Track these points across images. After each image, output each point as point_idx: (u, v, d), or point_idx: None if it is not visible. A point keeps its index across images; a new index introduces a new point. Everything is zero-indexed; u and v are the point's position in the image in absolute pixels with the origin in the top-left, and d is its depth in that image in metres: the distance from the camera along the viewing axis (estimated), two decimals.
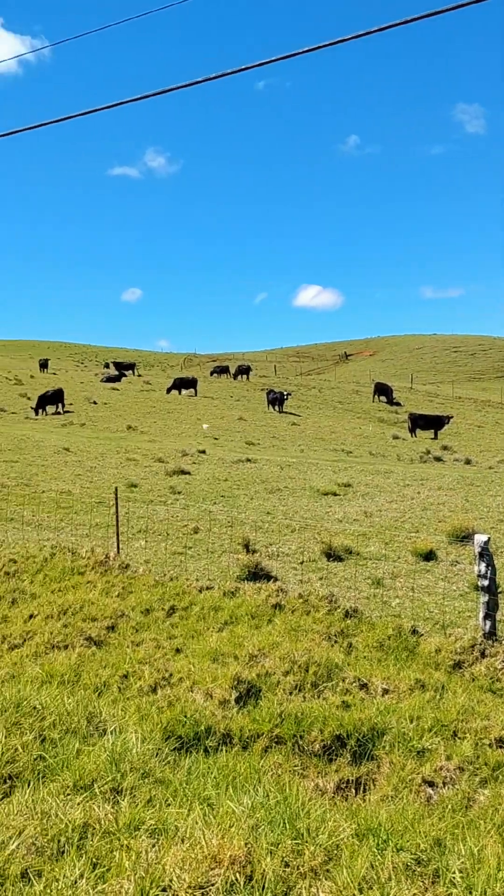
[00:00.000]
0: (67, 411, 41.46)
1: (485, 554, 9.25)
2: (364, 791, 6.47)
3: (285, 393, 47.44)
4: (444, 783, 6.00)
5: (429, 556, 13.19)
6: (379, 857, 3.60)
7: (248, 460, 26.22)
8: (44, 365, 68.83)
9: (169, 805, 3.99)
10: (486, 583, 9.19)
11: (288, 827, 3.79)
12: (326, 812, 4.13)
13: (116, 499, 14.07)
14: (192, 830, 3.65)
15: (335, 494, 19.81)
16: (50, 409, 41.17)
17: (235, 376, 67.64)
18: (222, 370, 71.85)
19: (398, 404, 52.43)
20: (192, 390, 53.07)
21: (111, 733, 4.82)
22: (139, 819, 3.73)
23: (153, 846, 3.52)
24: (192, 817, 3.80)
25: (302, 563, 13.06)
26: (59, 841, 3.53)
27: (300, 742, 7.06)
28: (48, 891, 3.20)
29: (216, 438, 33.68)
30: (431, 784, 6.07)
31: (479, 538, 9.44)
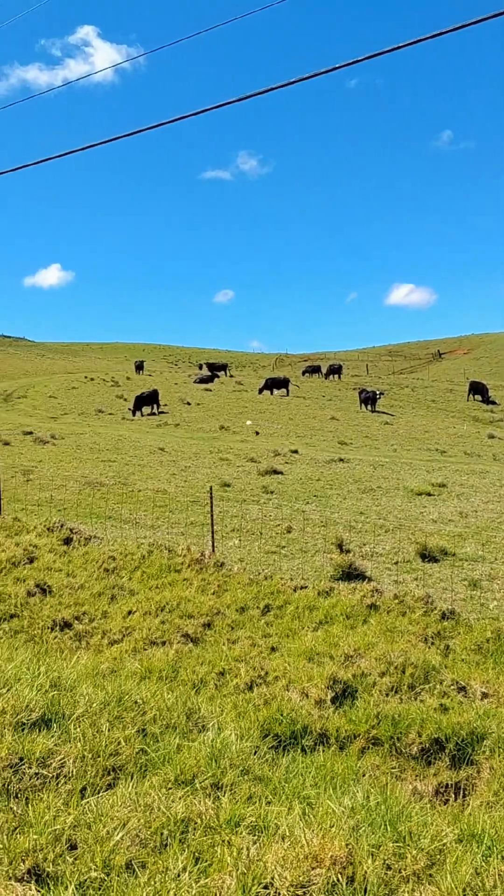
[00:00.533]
0: (162, 412, 42.14)
1: None
2: (464, 796, 6.35)
3: (378, 392, 46.96)
4: None
5: None
6: (483, 863, 3.52)
7: (341, 460, 26.09)
8: (139, 367, 70.14)
9: (269, 803, 3.99)
10: None
11: (389, 829, 3.74)
12: (427, 815, 4.06)
13: (211, 498, 14.22)
14: (292, 829, 3.65)
15: (429, 495, 19.51)
16: (145, 409, 41.91)
17: (327, 376, 67.34)
18: (314, 370, 71.62)
19: (494, 403, 51.16)
20: (284, 390, 53.12)
21: (210, 729, 4.87)
22: (240, 815, 3.75)
23: (254, 843, 3.53)
24: (291, 816, 3.80)
25: (396, 563, 12.91)
26: (161, 834, 3.59)
27: (397, 744, 6.99)
28: (152, 882, 3.25)
29: (306, 438, 33.64)
30: None
31: None
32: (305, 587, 11.36)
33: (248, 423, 38.93)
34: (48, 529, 14.27)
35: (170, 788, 4.01)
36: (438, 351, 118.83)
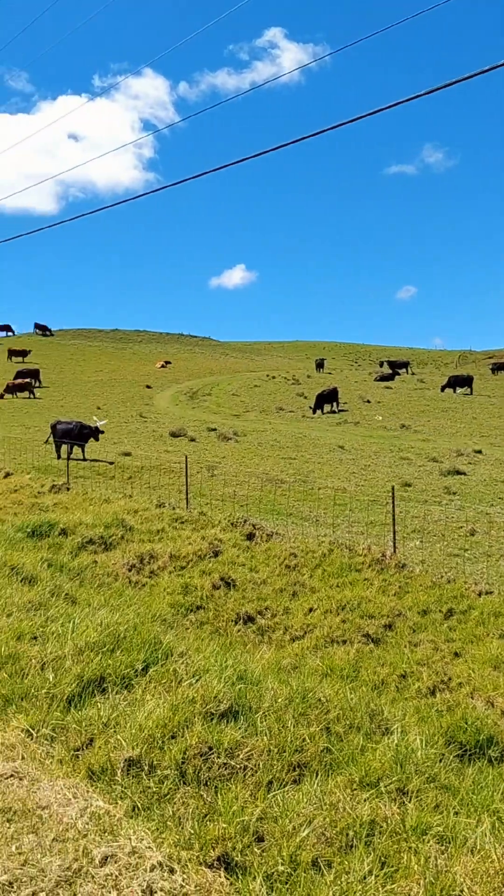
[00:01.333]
0: (342, 410, 42.14)
1: None
2: None
3: None
4: None
5: None
6: None
7: None
8: (320, 365, 70.47)
9: (457, 813, 3.90)
10: None
11: None
12: None
13: (393, 498, 14.06)
14: (481, 842, 3.54)
15: None
16: (325, 407, 42.07)
17: None
18: (501, 367, 69.01)
19: None
20: (468, 388, 51.60)
21: (394, 733, 4.82)
22: (426, 823, 3.68)
23: (441, 853, 3.46)
24: (481, 829, 3.69)
25: None
26: (347, 834, 3.59)
27: None
28: (339, 881, 3.26)
29: (491, 438, 32.46)
30: None
31: None
32: (491, 593, 10.99)
33: (379, 418, 38.80)
34: (232, 525, 14.65)
35: (354, 789, 4.00)
36: None
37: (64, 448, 24.17)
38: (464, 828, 3.70)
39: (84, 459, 23.96)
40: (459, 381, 52.59)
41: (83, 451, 24.55)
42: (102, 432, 25.84)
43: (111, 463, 23.44)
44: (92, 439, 24.97)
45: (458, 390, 51.66)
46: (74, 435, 24.56)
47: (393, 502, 13.98)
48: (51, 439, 25.37)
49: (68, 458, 22.78)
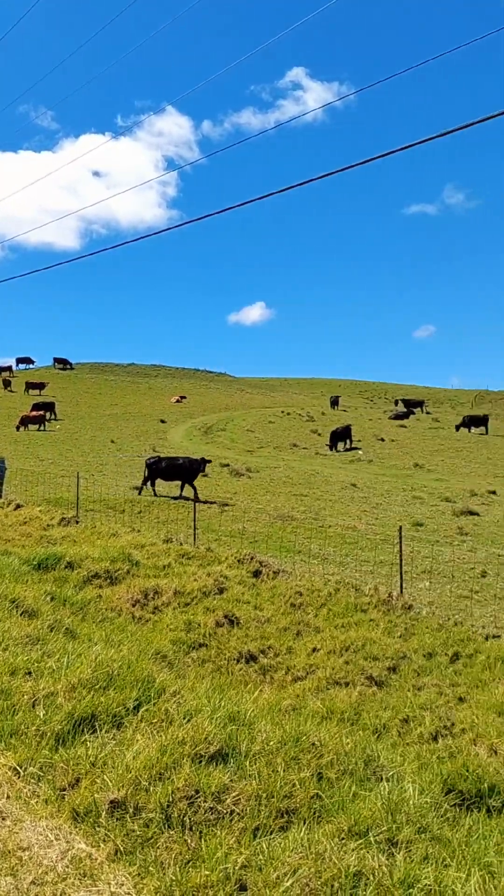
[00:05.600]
0: (355, 448, 42.09)
1: None
2: None
3: None
4: None
5: None
6: None
7: None
8: (334, 402, 70.60)
9: (447, 866, 3.79)
10: None
11: None
12: None
13: (401, 538, 13.95)
14: None
15: None
16: (339, 445, 42.04)
17: None
18: None
19: None
20: (483, 428, 51.49)
21: (387, 780, 4.71)
22: (414, 876, 3.58)
23: None
24: (471, 883, 3.58)
25: None
26: (332, 886, 3.49)
27: None
28: None
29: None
30: None
31: None
32: (499, 637, 10.83)
33: (360, 452, 39.80)
34: (238, 561, 14.57)
35: (343, 839, 3.90)
36: None
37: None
38: (452, 881, 3.59)
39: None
40: (475, 421, 52.53)
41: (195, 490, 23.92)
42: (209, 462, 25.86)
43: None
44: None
45: (474, 430, 51.56)
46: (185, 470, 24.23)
47: (401, 542, 13.86)
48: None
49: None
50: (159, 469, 24.29)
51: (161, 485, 25.03)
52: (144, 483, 24.53)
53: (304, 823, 4.05)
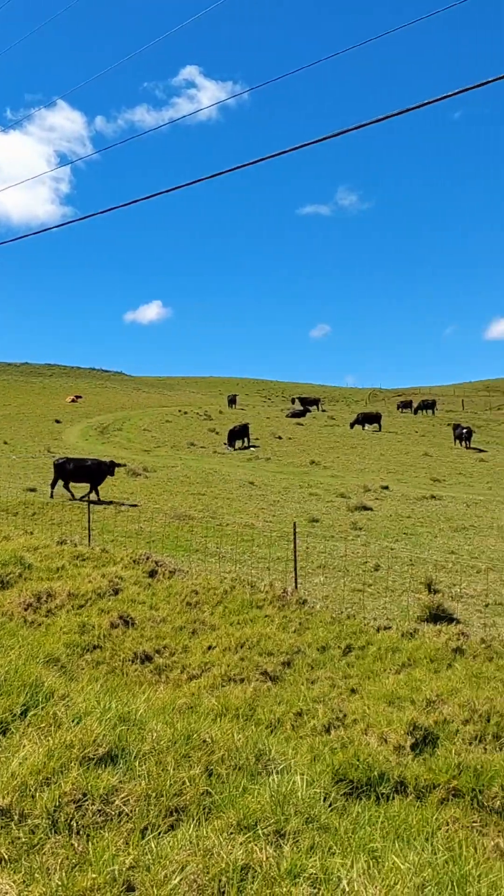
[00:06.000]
0: (253, 446, 42.35)
1: None
2: None
3: (473, 428, 45.99)
4: None
5: None
6: None
7: (433, 497, 25.58)
8: (232, 401, 70.83)
9: (333, 854, 3.86)
10: None
11: (456, 891, 3.56)
12: (501, 879, 3.84)
13: (294, 534, 14.13)
14: (354, 883, 3.51)
15: None
16: (237, 443, 42.22)
17: (416, 411, 66.66)
18: (408, 405, 70.88)
19: None
20: (376, 425, 52.72)
21: (277, 773, 4.76)
22: (301, 866, 3.63)
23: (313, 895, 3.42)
24: (356, 869, 3.66)
25: (487, 606, 12.50)
26: (219, 881, 3.50)
27: (479, 796, 6.69)
28: None
29: (398, 474, 33.13)
30: None
31: None
32: (389, 628, 11.11)
33: (252, 449, 40.99)
34: (134, 562, 14.44)
35: (231, 833, 3.92)
36: None
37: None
38: (338, 868, 3.65)
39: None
40: (368, 419, 53.72)
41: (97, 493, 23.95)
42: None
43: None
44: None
45: (367, 427, 52.71)
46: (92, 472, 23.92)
47: (294, 538, 14.04)
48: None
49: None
50: (66, 470, 23.89)
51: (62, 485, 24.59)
52: (53, 484, 24.09)
53: (194, 820, 4.05)
